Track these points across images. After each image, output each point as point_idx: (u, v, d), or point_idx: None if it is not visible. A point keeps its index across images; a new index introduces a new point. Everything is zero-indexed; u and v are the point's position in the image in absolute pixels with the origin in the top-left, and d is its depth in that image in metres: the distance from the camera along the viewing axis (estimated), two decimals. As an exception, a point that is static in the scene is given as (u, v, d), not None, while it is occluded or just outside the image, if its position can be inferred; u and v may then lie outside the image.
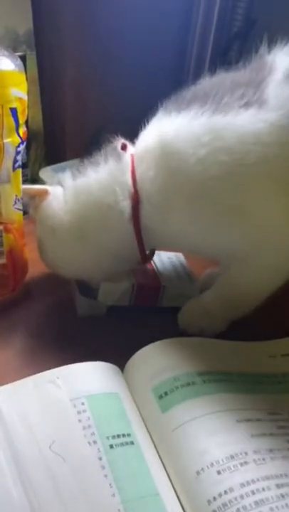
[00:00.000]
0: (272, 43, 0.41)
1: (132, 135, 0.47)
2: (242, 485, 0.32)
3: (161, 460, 0.36)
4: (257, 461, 0.34)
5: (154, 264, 0.54)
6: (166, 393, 0.39)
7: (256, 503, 0.31)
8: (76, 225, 0.47)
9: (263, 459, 0.34)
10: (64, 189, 0.48)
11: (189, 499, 0.33)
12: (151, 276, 0.52)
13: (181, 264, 0.55)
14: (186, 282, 0.52)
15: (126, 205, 0.45)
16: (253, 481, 0.33)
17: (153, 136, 0.44)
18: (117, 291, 0.50)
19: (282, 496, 0.32)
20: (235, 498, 0.32)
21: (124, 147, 0.47)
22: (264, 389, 0.42)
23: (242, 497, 0.32)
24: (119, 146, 0.46)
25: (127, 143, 0.47)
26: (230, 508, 0.31)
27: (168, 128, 0.43)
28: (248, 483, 0.33)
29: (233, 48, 0.63)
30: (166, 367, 0.41)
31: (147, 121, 0.46)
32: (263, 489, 0.32)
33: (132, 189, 0.44)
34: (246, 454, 0.35)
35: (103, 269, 0.49)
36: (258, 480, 0.33)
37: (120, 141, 0.47)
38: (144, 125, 0.46)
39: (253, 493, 0.32)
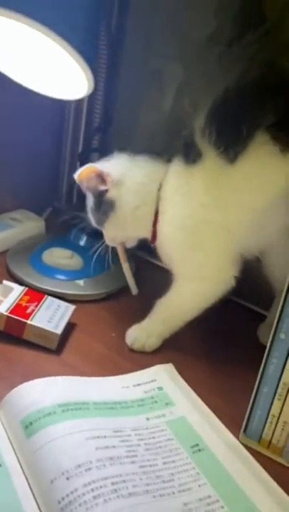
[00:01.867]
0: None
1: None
2: (84, 485, 0.42)
3: (26, 478, 0.45)
4: (99, 467, 0.44)
5: (38, 305, 0.65)
6: (31, 423, 0.48)
7: (94, 497, 0.41)
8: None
9: (104, 465, 0.44)
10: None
11: (44, 503, 0.42)
12: (26, 313, 0.63)
13: (64, 314, 0.66)
14: (51, 328, 0.62)
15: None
16: (93, 482, 0.43)
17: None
18: None
19: (116, 490, 0.42)
20: (78, 496, 0.41)
21: None
22: (115, 413, 0.52)
23: (84, 494, 0.41)
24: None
25: None
26: (74, 504, 0.41)
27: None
28: (89, 483, 0.42)
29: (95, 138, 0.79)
30: (32, 402, 0.50)
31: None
32: (101, 487, 0.42)
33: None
34: (91, 462, 0.44)
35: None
36: (97, 480, 0.43)
37: None
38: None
39: (92, 490, 0.42)
